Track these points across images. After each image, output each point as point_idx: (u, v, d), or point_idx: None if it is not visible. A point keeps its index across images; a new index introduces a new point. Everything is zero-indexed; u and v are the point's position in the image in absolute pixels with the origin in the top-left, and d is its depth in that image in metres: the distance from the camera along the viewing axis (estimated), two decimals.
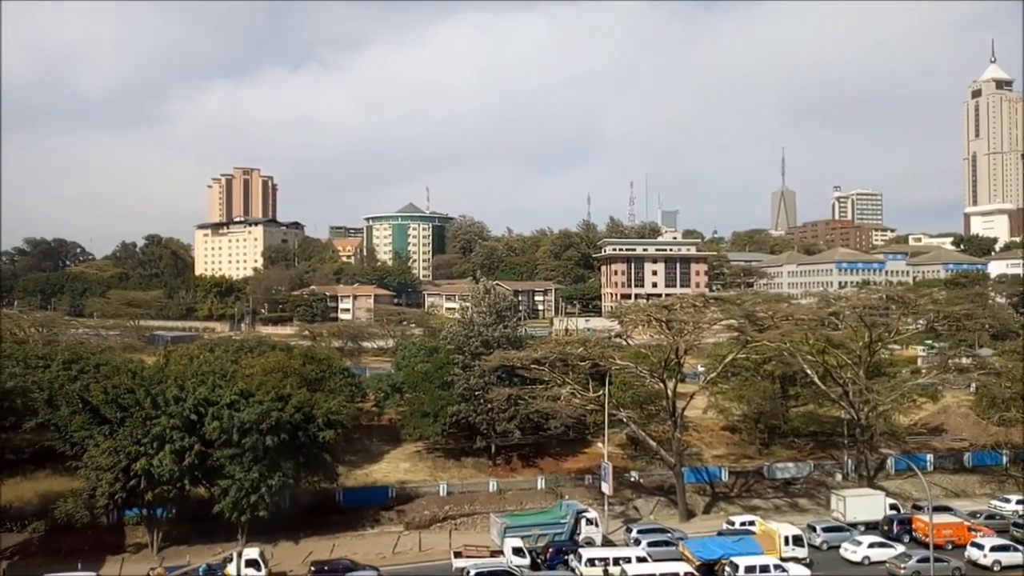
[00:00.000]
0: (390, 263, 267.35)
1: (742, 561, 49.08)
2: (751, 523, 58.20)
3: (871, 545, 53.91)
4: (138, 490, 52.30)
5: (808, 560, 52.36)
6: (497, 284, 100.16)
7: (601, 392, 62.96)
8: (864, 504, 61.12)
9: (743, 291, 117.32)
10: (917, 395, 73.23)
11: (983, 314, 78.18)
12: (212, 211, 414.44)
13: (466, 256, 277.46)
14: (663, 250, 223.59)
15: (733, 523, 59.28)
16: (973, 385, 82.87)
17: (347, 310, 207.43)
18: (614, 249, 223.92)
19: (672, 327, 63.49)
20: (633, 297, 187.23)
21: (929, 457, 74.61)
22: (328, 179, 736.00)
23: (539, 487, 67.20)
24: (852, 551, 53.95)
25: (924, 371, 79.46)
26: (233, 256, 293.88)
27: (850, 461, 72.16)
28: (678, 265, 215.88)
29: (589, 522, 56.86)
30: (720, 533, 57.28)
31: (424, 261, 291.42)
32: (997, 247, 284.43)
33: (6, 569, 51.93)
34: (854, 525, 59.07)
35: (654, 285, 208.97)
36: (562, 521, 56.93)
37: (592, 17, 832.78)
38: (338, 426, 58.45)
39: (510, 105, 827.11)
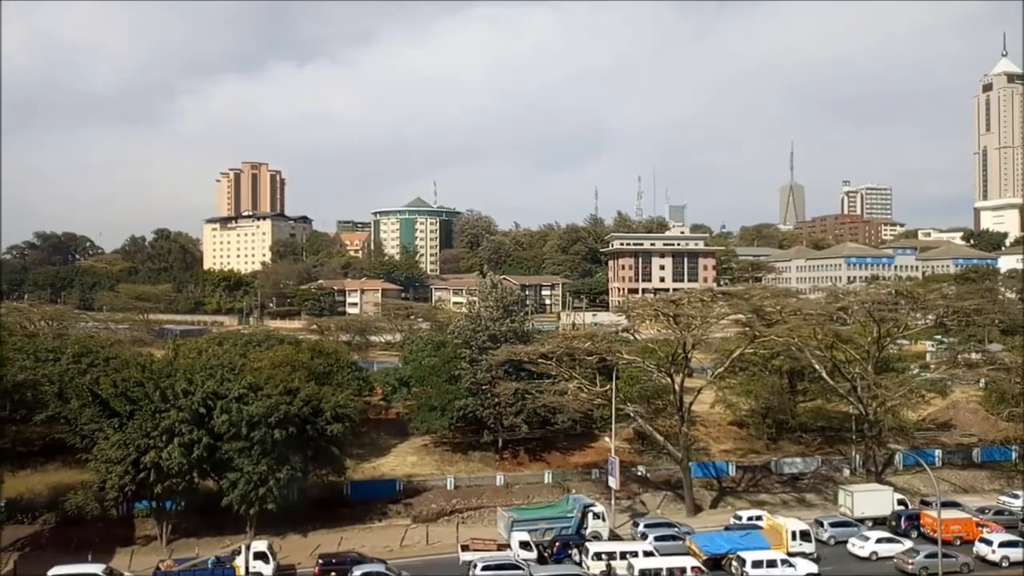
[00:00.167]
0: (397, 257, 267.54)
1: (749, 556, 49.13)
2: (758, 518, 58.14)
3: (879, 540, 53.86)
4: (147, 483, 52.57)
5: (815, 555, 52.36)
6: (504, 278, 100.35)
7: (608, 387, 62.97)
8: (872, 499, 61.04)
9: (751, 286, 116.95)
10: (926, 390, 72.98)
11: (993, 309, 77.96)
12: (220, 205, 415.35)
13: (473, 250, 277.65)
14: (671, 245, 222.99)
15: (740, 518, 59.26)
16: (982, 380, 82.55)
17: (355, 304, 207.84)
18: (621, 244, 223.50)
19: (679, 322, 63.40)
20: (640, 292, 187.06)
21: (938, 453, 74.36)
22: (336, 174, 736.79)
23: (546, 481, 67.33)
24: (860, 546, 53.89)
25: (933, 366, 79.25)
26: (241, 250, 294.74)
27: (858, 456, 71.98)
28: (686, 260, 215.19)
29: (596, 516, 56.93)
30: (727, 528, 57.35)
31: (431, 255, 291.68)
32: (1007, 242, 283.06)
33: (17, 560, 52.41)
34: (862, 520, 58.99)
35: (661, 280, 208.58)
36: (569, 515, 57.04)
37: (599, 13, 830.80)
38: (346, 420, 58.71)
39: (518, 100, 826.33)
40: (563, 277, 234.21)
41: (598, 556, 50.13)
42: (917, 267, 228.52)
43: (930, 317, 74.69)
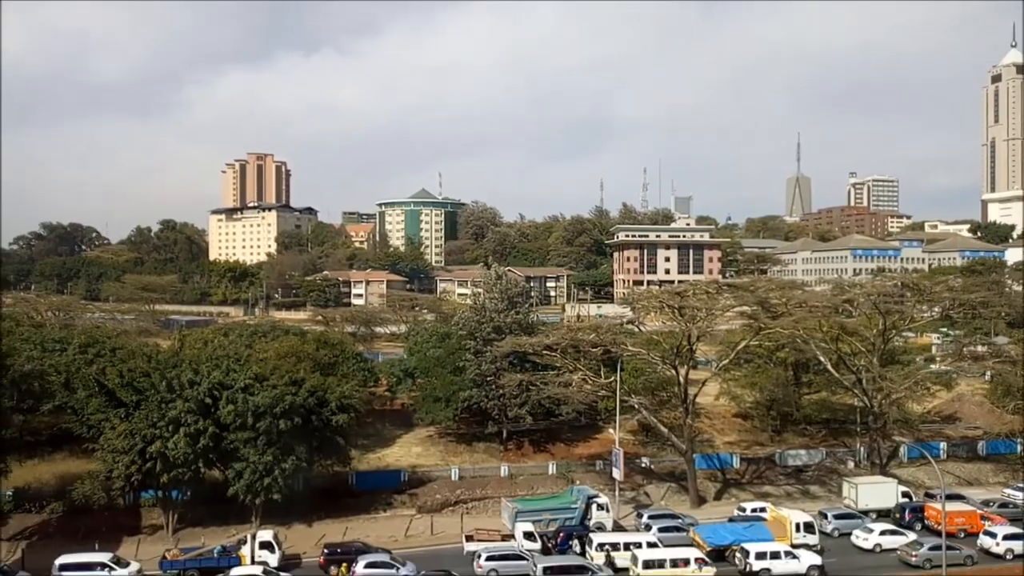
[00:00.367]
0: (403, 249, 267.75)
1: (753, 547, 49.16)
2: (762, 510, 58.19)
3: (883, 532, 53.83)
4: (154, 472, 52.89)
5: (819, 547, 52.32)
6: (509, 270, 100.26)
7: (613, 378, 62.97)
8: (876, 492, 60.99)
9: (756, 278, 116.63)
10: (931, 383, 72.78)
11: (999, 302, 77.66)
12: (226, 196, 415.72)
13: (478, 242, 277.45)
14: (676, 236, 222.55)
15: (744, 509, 59.34)
16: (988, 373, 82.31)
17: (360, 295, 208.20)
18: (627, 235, 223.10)
19: (684, 314, 63.31)
20: (646, 283, 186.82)
21: (942, 445, 74.24)
22: (341, 165, 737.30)
23: (550, 472, 67.48)
24: (864, 538, 53.88)
25: (939, 359, 79.00)
26: (247, 241, 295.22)
27: (862, 449, 71.94)
28: (691, 251, 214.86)
29: (600, 507, 57.05)
30: (731, 519, 57.38)
31: (436, 247, 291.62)
32: (1015, 234, 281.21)
33: (26, 549, 52.77)
34: (866, 512, 58.99)
35: (667, 271, 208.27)
36: (573, 506, 57.17)
37: (605, 3, 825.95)
38: (351, 410, 58.87)
39: (523, 91, 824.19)
40: (568, 269, 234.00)
41: (602, 547, 50.28)
42: (923, 259, 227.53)
43: (936, 310, 74.46)
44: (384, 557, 49.21)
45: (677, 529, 54.84)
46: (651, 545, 50.14)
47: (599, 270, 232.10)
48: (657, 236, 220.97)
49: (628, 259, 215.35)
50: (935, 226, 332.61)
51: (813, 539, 52.99)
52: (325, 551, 50.63)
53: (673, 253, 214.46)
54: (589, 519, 56.53)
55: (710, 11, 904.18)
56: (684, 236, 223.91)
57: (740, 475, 69.78)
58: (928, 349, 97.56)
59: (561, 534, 53.64)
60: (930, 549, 49.50)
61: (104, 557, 48.69)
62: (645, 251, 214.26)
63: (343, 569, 47.68)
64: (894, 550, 52.04)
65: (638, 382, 69.78)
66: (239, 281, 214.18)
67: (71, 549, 49.80)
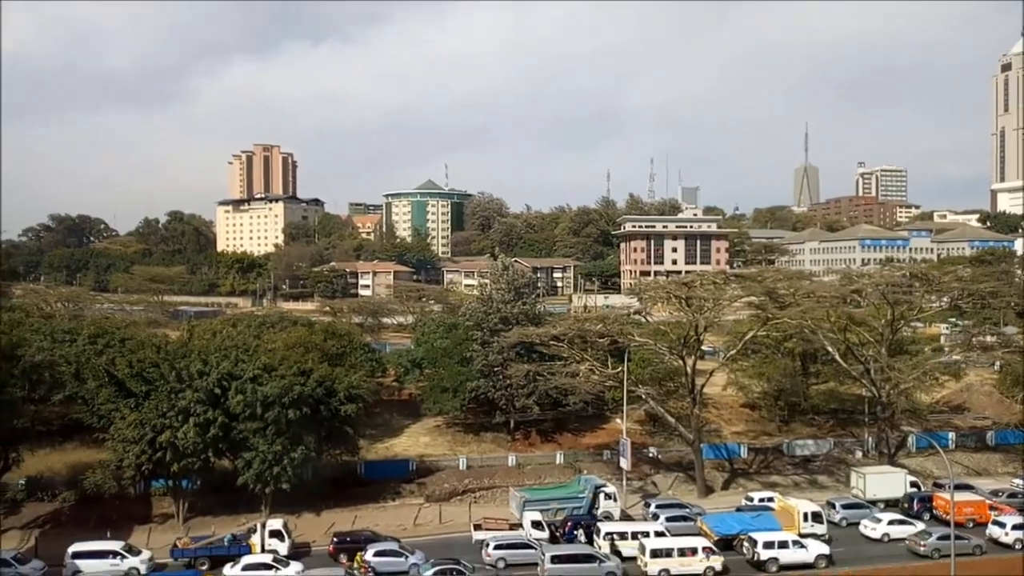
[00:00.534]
0: (409, 240, 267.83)
1: (760, 536, 49.15)
2: (770, 499, 58.21)
3: (891, 522, 53.79)
4: (164, 462, 53.22)
5: (827, 536, 52.35)
6: (516, 261, 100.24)
7: (620, 369, 63.01)
8: (884, 481, 60.92)
9: (764, 268, 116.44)
10: (940, 373, 72.49)
11: (1009, 292, 77.00)
12: (233, 187, 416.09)
13: (485, 233, 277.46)
14: (683, 227, 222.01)
15: (752, 499, 59.34)
16: (997, 363, 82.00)
17: (367, 286, 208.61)
18: (634, 226, 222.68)
19: (692, 304, 63.25)
20: (653, 274, 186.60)
21: (951, 435, 74.09)
22: (347, 156, 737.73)
23: (558, 462, 67.65)
24: (872, 528, 53.85)
25: (947, 349, 78.70)
26: (254, 232, 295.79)
27: (871, 439, 71.84)
28: (698, 242, 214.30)
29: (607, 497, 57.22)
30: (739, 509, 57.39)
31: (443, 238, 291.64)
32: None
33: (39, 537, 53.28)
34: (874, 502, 58.91)
35: (674, 262, 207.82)
36: (581, 495, 57.34)
37: None
38: (359, 400, 59.08)
39: (530, 81, 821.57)
40: (575, 259, 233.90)
41: (609, 536, 50.45)
42: (932, 249, 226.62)
43: (945, 300, 74.08)
44: (393, 545, 49.50)
45: (684, 519, 54.94)
46: (659, 534, 50.29)
47: (606, 261, 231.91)
48: (664, 227, 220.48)
49: (635, 249, 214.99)
50: (944, 216, 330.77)
51: (821, 529, 53.02)
52: (335, 539, 51.04)
53: (680, 243, 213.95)
54: (597, 508, 56.70)
55: (719, 1, 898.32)
56: (691, 226, 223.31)
57: (748, 465, 69.81)
58: (937, 339, 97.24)
59: (568, 523, 53.80)
60: (938, 539, 49.49)
61: (116, 545, 49.10)
62: (652, 241, 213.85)
63: (358, 558, 47.96)
64: (902, 540, 52.01)
65: (645, 372, 69.79)
66: (247, 272, 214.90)
67: (83, 537, 50.18)
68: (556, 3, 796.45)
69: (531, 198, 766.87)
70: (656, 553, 47.34)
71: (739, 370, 76.88)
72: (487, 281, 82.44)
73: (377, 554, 47.94)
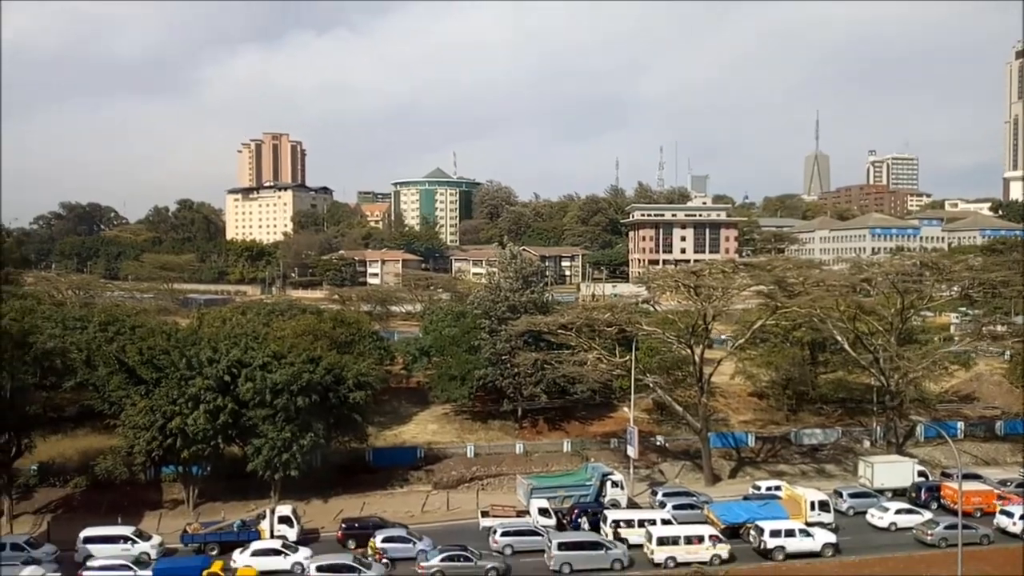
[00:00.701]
0: (418, 228, 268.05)
1: (767, 525, 49.26)
2: (777, 488, 58.30)
3: (898, 511, 53.82)
4: (174, 448, 53.64)
5: (834, 525, 52.43)
6: (524, 249, 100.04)
7: (628, 357, 63.04)
8: (892, 471, 60.87)
9: (773, 257, 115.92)
10: (949, 362, 72.27)
11: (1020, 281, 76.45)
12: (242, 176, 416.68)
13: (493, 221, 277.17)
14: (692, 215, 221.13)
15: (759, 488, 59.43)
16: (1007, 352, 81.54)
17: (375, 274, 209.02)
18: (642, 214, 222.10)
19: (700, 293, 63.13)
20: (661, 263, 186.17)
21: (960, 425, 73.86)
22: (356, 144, 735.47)
23: (565, 450, 67.84)
24: (879, 517, 53.89)
25: (957, 338, 78.30)
26: (263, 221, 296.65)
27: (879, 428, 71.69)
28: (707, 231, 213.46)
29: (615, 485, 57.43)
30: (746, 497, 57.56)
31: (451, 226, 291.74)
32: None
33: (51, 522, 53.90)
34: (881, 492, 58.91)
35: (683, 251, 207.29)
36: (588, 483, 57.53)
37: None
38: (367, 388, 59.29)
39: (538, 70, 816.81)
40: (583, 248, 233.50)
41: (616, 524, 50.64)
42: (943, 238, 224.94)
43: (955, 289, 73.68)
44: (401, 532, 49.89)
45: (691, 507, 55.12)
46: (665, 522, 50.47)
47: (614, 249, 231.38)
48: (673, 215, 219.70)
49: (643, 238, 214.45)
50: (955, 204, 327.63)
51: (828, 517, 53.05)
52: (343, 526, 51.50)
53: (689, 232, 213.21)
54: (604, 496, 56.92)
55: None
56: (700, 215, 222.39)
57: (755, 454, 69.82)
58: (946, 328, 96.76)
59: (575, 511, 54.02)
60: (946, 528, 49.49)
61: (127, 530, 49.69)
62: (661, 230, 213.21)
63: (372, 544, 48.28)
64: (909, 529, 52.05)
65: (653, 361, 69.79)
66: (256, 260, 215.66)
67: (95, 522, 50.84)
68: None
69: (540, 187, 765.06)
70: (663, 541, 47.54)
71: (747, 359, 76.75)
72: (495, 269, 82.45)
73: (385, 540, 48.36)
